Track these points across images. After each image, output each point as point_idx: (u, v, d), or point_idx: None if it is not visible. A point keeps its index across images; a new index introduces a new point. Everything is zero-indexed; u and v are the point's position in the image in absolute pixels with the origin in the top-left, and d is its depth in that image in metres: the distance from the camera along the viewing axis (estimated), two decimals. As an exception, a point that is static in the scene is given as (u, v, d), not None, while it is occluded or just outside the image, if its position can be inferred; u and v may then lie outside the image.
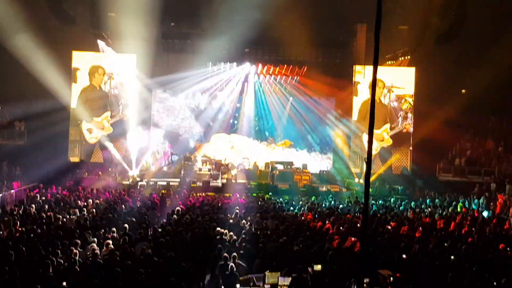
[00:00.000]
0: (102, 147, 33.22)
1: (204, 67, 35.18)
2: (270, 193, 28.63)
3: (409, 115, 34.47)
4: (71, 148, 33.03)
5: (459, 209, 24.53)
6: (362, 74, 34.07)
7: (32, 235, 15.40)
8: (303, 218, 20.72)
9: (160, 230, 17.37)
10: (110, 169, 32.29)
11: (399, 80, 34.26)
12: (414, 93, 34.11)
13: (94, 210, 20.09)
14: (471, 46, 32.22)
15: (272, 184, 31.62)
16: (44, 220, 17.80)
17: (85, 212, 19.61)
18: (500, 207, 24.82)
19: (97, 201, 22.47)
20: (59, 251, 13.45)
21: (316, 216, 21.22)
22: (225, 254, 13.58)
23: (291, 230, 17.51)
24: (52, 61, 29.98)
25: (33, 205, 20.32)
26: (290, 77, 36.66)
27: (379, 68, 9.00)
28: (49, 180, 27.33)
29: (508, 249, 15.97)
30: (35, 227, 16.42)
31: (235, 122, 37.94)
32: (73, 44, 32.76)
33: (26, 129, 32.98)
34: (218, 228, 16.84)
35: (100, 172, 31.44)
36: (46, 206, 20.64)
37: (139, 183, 30.21)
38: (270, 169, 33.39)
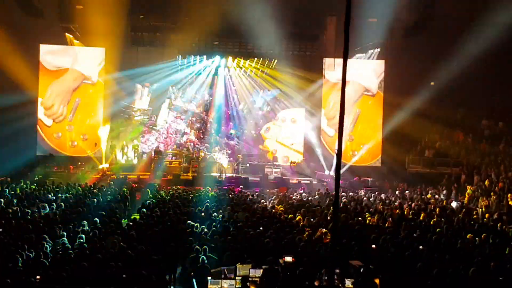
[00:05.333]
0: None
1: (174, 60, 35.00)
2: (240, 186, 28.73)
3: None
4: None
5: (428, 200, 24.78)
6: (332, 67, 34.29)
7: (0, 230, 15.27)
8: (274, 210, 20.79)
9: (130, 223, 17.33)
10: (79, 163, 32.13)
11: (368, 73, 34.47)
12: (384, 86, 34.32)
13: (63, 204, 19.93)
14: (440, 38, 32.45)
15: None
16: (13, 215, 17.64)
17: (55, 206, 19.47)
18: (469, 198, 25.10)
19: (67, 195, 22.29)
20: (28, 245, 13.35)
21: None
22: (196, 247, 13.59)
23: (262, 222, 17.54)
24: (19, 54, 29.60)
25: (1, 200, 20.10)
26: (260, 70, 36.63)
27: (349, 61, 8.98)
28: (17, 174, 27.08)
29: (477, 238, 16.18)
30: (3, 221, 16.27)
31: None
32: (41, 37, 32.40)
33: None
34: (189, 221, 16.83)
35: (70, 166, 31.29)
36: (15, 200, 20.43)
37: (109, 176, 30.05)
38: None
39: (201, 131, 36.67)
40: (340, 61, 33.46)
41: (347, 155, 33.93)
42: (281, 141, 37.69)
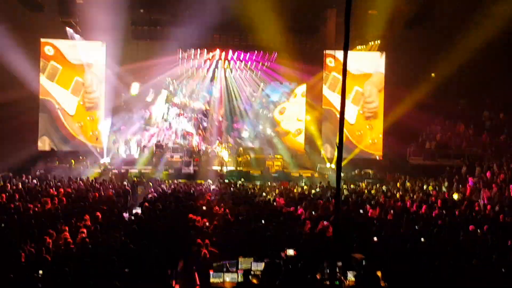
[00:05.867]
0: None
1: (174, 54, 34.94)
2: (242, 179, 28.74)
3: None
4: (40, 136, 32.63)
5: (429, 192, 24.77)
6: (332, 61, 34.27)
7: (3, 225, 15.28)
8: (275, 203, 20.80)
9: (132, 217, 17.35)
10: (81, 157, 32.15)
11: (369, 65, 34.37)
12: (384, 78, 34.23)
13: (65, 199, 19.94)
14: (440, 30, 32.40)
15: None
16: (15, 210, 17.65)
17: (57, 201, 19.48)
18: (470, 190, 25.09)
19: (68, 189, 22.29)
20: (31, 241, 13.36)
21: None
22: (198, 241, 13.59)
23: (263, 215, 17.55)
24: (19, 49, 29.55)
25: (3, 195, 20.11)
26: (260, 63, 36.59)
27: (349, 53, 8.96)
28: (19, 170, 27.11)
29: (478, 230, 16.19)
30: (5, 217, 16.28)
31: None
32: (41, 31, 32.34)
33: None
34: (191, 215, 16.84)
35: (72, 160, 31.31)
36: (17, 196, 20.43)
37: (111, 171, 30.09)
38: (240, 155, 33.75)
39: (206, 130, 36.73)
40: (358, 53, 33.70)
41: (367, 143, 34.35)
42: (305, 118, 37.56)
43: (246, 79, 37.35)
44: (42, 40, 32.46)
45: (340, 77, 33.05)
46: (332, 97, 34.34)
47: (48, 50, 32.55)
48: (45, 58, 32.54)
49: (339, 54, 33.53)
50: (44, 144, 32.81)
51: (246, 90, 37.59)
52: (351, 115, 34.49)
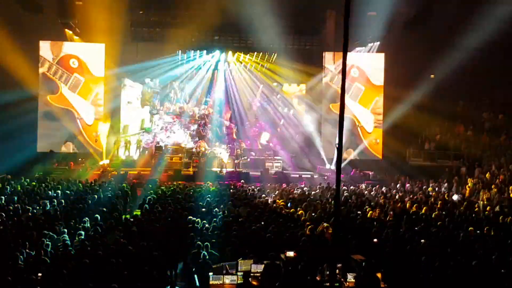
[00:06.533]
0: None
1: (174, 55, 34.92)
2: (242, 181, 28.69)
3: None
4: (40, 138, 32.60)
5: (429, 193, 24.76)
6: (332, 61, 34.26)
7: (1, 227, 15.23)
8: (275, 205, 20.76)
9: (131, 219, 17.31)
10: (80, 159, 32.12)
11: (368, 66, 34.38)
12: (384, 79, 34.21)
13: (64, 200, 19.90)
14: (440, 31, 32.37)
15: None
16: (13, 212, 17.60)
17: (56, 203, 19.44)
18: (470, 191, 25.08)
19: (68, 191, 22.24)
20: (29, 243, 13.32)
21: (289, 203, 21.29)
22: (198, 243, 13.55)
23: (263, 217, 17.51)
24: (19, 50, 29.53)
25: (2, 197, 20.05)
26: (260, 64, 36.55)
27: (348, 54, 8.96)
28: (17, 171, 27.04)
29: (478, 231, 16.18)
30: (4, 219, 16.24)
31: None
32: (40, 33, 32.31)
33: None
34: (190, 217, 16.80)
35: (71, 162, 31.28)
36: (15, 198, 20.37)
37: (110, 172, 30.04)
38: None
39: (206, 137, 36.61)
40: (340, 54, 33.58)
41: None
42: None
43: (246, 80, 37.25)
44: (68, 52, 32.70)
45: (363, 87, 33.73)
46: (353, 106, 34.14)
47: (73, 63, 32.79)
48: (69, 71, 32.75)
49: (362, 64, 33.81)
50: (68, 148, 33.15)
51: (248, 91, 37.49)
52: (369, 123, 34.60)
